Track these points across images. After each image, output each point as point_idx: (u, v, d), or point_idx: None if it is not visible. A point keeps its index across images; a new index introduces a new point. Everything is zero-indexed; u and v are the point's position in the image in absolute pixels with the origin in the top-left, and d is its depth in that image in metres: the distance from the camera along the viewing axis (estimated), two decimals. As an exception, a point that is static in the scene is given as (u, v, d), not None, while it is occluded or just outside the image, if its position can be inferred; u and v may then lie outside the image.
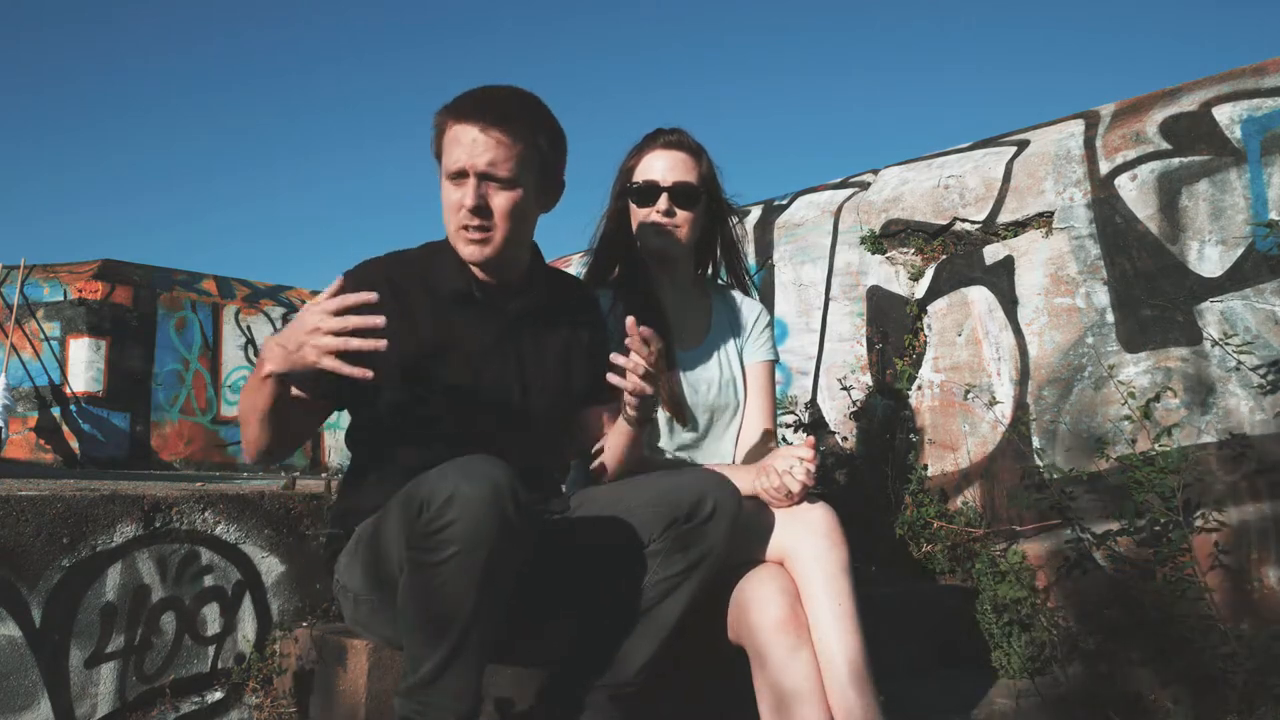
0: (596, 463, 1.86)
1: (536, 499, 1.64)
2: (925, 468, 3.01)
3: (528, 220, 1.74)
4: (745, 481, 1.76)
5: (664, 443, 2.06)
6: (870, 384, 3.23)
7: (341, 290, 1.44)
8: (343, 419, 1.81)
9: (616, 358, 1.66)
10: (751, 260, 3.67)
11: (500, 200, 1.66)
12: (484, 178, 1.65)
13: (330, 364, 1.40)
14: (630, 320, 1.62)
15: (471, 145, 1.63)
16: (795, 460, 1.74)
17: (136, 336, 7.07)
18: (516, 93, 1.70)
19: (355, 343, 1.38)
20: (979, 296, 2.97)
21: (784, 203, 3.77)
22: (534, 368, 1.76)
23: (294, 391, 1.57)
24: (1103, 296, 2.69)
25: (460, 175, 1.65)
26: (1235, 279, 2.47)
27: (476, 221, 1.65)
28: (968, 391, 2.93)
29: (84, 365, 6.83)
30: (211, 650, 1.93)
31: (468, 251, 1.69)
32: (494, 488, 1.35)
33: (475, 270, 1.73)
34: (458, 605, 1.37)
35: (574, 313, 1.85)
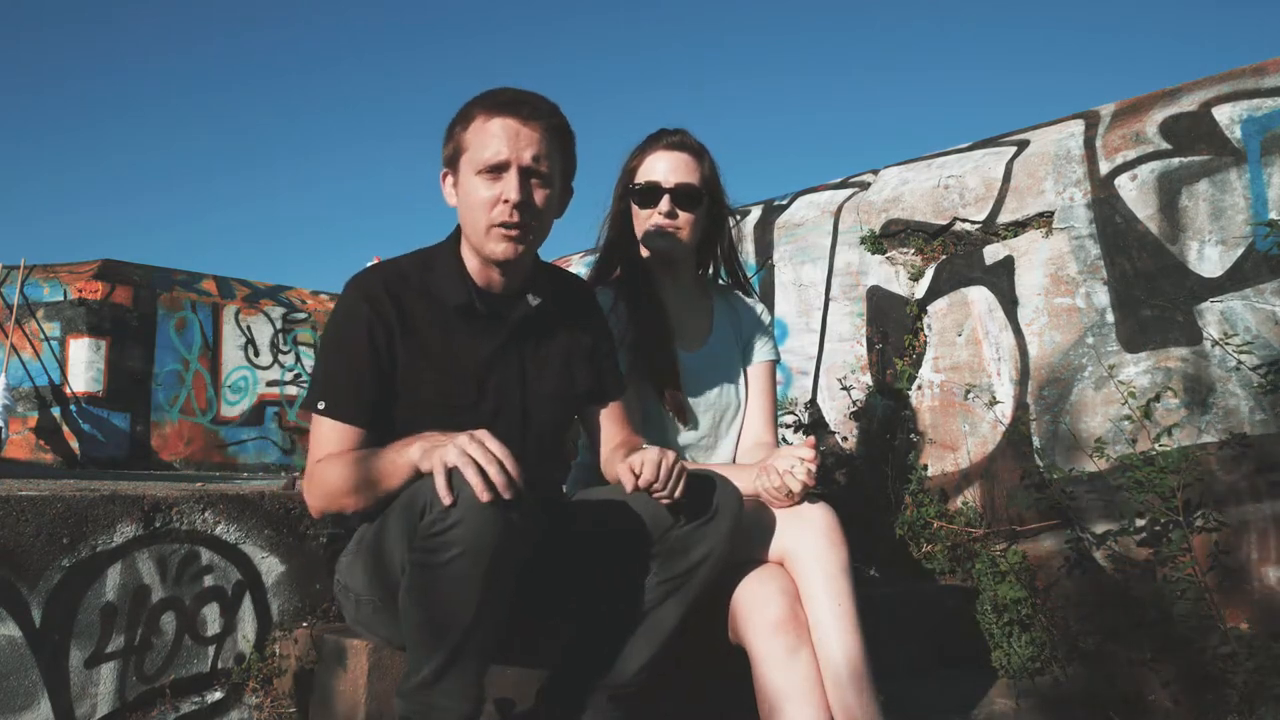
0: (604, 466, 1.85)
1: (538, 501, 1.63)
2: (925, 468, 3.01)
3: (551, 222, 1.71)
4: (746, 481, 1.76)
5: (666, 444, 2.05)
6: (870, 384, 3.23)
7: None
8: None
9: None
10: (751, 260, 3.67)
11: (540, 196, 1.62)
12: (527, 172, 1.60)
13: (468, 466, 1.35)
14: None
15: (515, 138, 1.58)
16: (796, 460, 1.74)
17: (136, 336, 7.07)
18: (540, 95, 1.67)
19: (493, 470, 1.35)
20: (979, 296, 2.97)
21: (784, 203, 3.77)
22: (536, 374, 1.74)
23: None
24: (1103, 296, 2.69)
25: (500, 168, 1.59)
26: (1235, 279, 2.47)
27: (518, 218, 1.59)
28: (968, 391, 2.93)
29: (84, 365, 6.83)
30: (211, 650, 1.93)
31: (502, 250, 1.62)
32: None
33: (476, 278, 1.69)
34: (460, 607, 1.37)
35: (575, 315, 1.82)
